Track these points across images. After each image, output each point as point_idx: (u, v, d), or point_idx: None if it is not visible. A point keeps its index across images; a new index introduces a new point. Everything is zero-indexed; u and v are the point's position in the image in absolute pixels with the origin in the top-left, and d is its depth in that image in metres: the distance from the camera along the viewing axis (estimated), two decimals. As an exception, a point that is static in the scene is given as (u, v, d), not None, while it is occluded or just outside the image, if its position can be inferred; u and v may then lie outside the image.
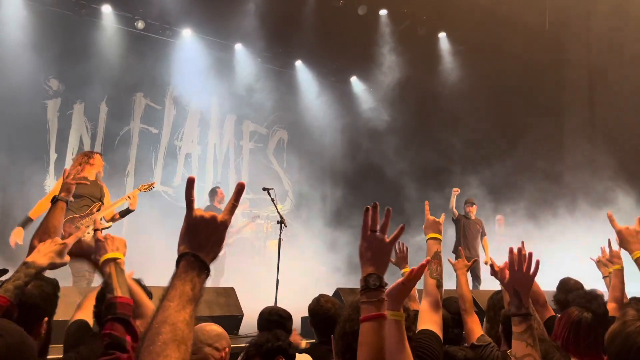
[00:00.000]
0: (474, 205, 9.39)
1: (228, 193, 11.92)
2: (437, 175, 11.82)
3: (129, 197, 5.69)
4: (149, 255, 8.89)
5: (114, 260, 1.94)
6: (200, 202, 8.97)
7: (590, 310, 2.92)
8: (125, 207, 5.80)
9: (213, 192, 8.76)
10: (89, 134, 10.40)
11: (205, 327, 2.27)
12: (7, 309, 1.78)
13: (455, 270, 3.30)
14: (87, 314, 2.50)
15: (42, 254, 2.00)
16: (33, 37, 9.34)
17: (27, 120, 9.45)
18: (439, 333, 2.23)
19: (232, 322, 4.72)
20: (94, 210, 5.61)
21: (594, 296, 3.13)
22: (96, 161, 5.78)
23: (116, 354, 1.63)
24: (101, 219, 5.63)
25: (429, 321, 2.23)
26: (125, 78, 10.51)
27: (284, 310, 3.44)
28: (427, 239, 2.65)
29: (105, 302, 1.81)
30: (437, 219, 2.71)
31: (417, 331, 1.99)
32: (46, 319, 2.03)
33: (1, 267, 2.68)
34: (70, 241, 2.10)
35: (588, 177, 10.45)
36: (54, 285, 2.21)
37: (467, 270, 3.27)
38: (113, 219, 5.78)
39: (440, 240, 2.64)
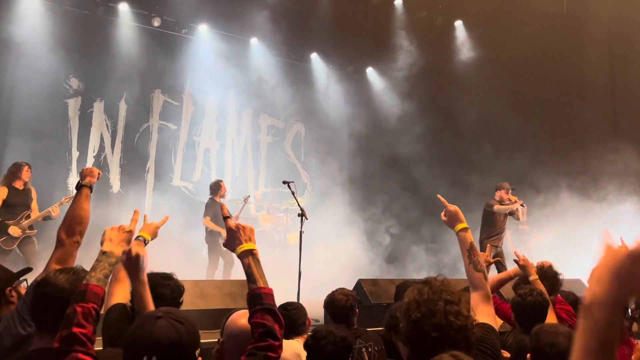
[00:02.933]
0: (503, 190, 8.49)
1: (247, 186, 12.07)
2: (456, 163, 11.75)
3: (51, 209, 6.92)
4: (168, 249, 9.03)
5: (251, 251, 2.06)
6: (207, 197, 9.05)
7: None
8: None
9: (216, 186, 8.60)
10: (109, 132, 10.54)
11: None
12: (102, 298, 1.87)
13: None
14: (120, 299, 2.52)
15: (116, 243, 2.06)
16: (52, 37, 9.47)
17: (48, 119, 9.60)
18: (494, 324, 2.26)
19: (255, 314, 4.77)
20: (24, 217, 6.78)
21: None
22: (23, 173, 6.89)
23: (269, 341, 1.82)
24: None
25: (484, 314, 2.25)
26: (143, 75, 10.63)
27: (290, 304, 3.49)
28: (458, 232, 2.52)
29: (249, 292, 1.95)
30: (457, 208, 2.60)
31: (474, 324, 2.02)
32: None
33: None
34: (134, 228, 2.16)
35: (610, 166, 10.29)
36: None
37: (489, 266, 3.28)
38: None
39: (469, 228, 2.54)
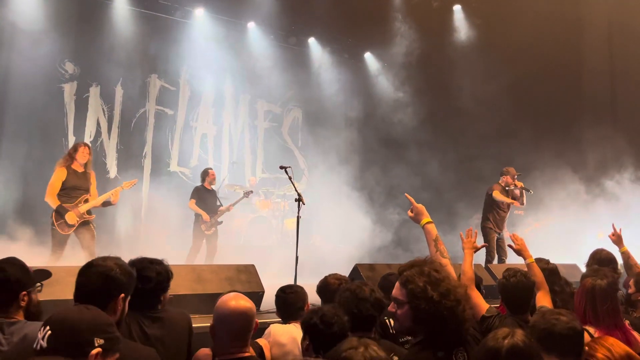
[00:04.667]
0: (509, 175, 8.40)
1: (245, 172, 12.05)
2: (454, 147, 11.74)
3: (112, 194, 6.61)
4: (166, 232, 9.05)
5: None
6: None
7: (604, 278, 3.06)
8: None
9: (204, 173, 8.62)
10: (105, 117, 10.49)
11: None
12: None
13: (463, 249, 3.40)
14: None
15: None
16: (47, 21, 9.37)
17: (44, 104, 9.55)
18: None
19: (253, 298, 4.77)
20: (82, 202, 6.38)
21: (598, 268, 3.31)
22: (79, 153, 6.43)
23: None
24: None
25: None
26: (139, 60, 10.55)
27: (289, 287, 3.53)
28: (424, 225, 2.83)
29: None
30: (422, 206, 2.91)
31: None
32: (123, 295, 2.19)
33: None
34: None
35: (608, 151, 10.29)
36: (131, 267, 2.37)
37: (475, 251, 3.36)
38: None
39: (432, 222, 2.86)
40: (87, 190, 6.46)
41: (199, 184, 8.62)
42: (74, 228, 6.31)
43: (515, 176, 8.46)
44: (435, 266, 2.21)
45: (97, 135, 10.36)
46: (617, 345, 2.38)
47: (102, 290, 2.13)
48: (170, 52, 10.98)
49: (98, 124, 10.41)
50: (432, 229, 2.82)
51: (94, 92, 10.37)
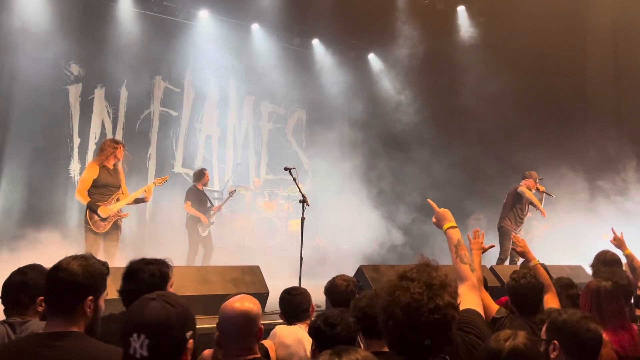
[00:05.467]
0: (532, 179, 8.46)
1: (249, 173, 12.05)
2: (458, 149, 11.71)
3: (145, 190, 6.50)
4: (171, 233, 9.07)
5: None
6: (211, 183, 9.06)
7: (612, 281, 3.05)
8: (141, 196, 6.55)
9: (201, 174, 8.53)
10: (110, 118, 10.53)
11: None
12: None
13: (470, 250, 3.41)
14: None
15: None
16: (52, 23, 9.42)
17: (49, 106, 9.58)
18: (480, 310, 2.35)
19: (258, 299, 4.78)
20: (114, 200, 6.25)
21: (614, 270, 3.28)
22: (119, 152, 6.39)
23: None
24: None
25: (470, 301, 2.34)
26: (144, 61, 10.58)
27: (294, 288, 3.54)
28: (446, 229, 2.73)
29: None
30: (446, 210, 2.80)
31: (460, 310, 2.04)
32: (91, 297, 2.10)
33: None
34: None
35: (612, 151, 10.25)
36: (102, 265, 2.26)
37: (483, 252, 3.36)
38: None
39: (457, 227, 2.74)
40: (118, 188, 6.33)
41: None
42: (109, 226, 6.16)
43: (537, 180, 8.46)
44: (404, 269, 1.97)
45: (102, 137, 10.37)
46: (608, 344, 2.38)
47: (66, 297, 2.08)
48: (175, 54, 11.01)
49: (103, 126, 10.45)
50: (454, 234, 2.69)
51: (98, 94, 10.40)
